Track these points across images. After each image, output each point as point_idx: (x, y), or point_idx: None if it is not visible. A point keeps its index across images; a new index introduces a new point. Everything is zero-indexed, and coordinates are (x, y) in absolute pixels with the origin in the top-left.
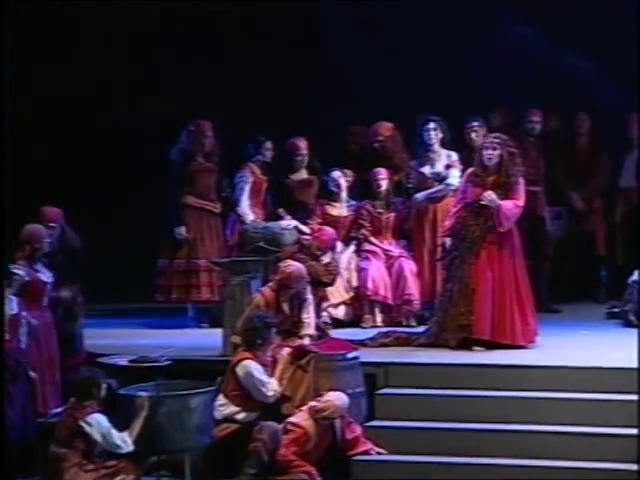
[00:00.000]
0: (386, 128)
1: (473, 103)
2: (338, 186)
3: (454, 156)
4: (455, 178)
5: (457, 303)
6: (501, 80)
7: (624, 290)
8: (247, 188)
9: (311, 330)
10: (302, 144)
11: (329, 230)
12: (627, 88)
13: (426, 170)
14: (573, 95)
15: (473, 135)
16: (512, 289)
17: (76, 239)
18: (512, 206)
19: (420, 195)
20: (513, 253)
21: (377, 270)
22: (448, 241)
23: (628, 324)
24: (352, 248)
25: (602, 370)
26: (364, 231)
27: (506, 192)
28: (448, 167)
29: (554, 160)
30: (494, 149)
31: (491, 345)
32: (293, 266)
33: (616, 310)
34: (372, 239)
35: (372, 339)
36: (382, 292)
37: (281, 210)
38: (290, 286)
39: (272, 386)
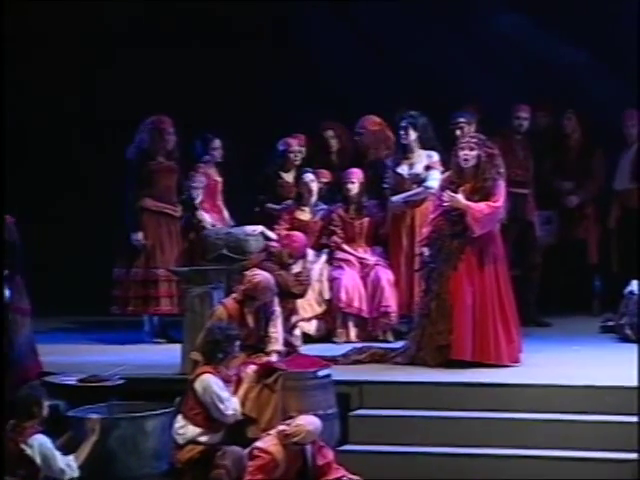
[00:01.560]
0: (372, 122)
1: (457, 98)
2: (309, 190)
3: (435, 156)
4: (435, 181)
5: (435, 321)
6: (486, 73)
7: (620, 301)
8: (200, 192)
9: (279, 346)
10: (294, 142)
11: (300, 235)
12: (624, 82)
13: (404, 171)
14: (564, 89)
15: (459, 133)
16: (495, 304)
17: (12, 229)
18: (484, 207)
19: (397, 198)
20: (495, 264)
21: (351, 280)
22: (426, 251)
23: (624, 339)
24: (324, 257)
25: (596, 389)
26: (336, 238)
27: (484, 197)
28: (428, 168)
29: (543, 160)
30: (471, 149)
31: (474, 366)
32: (261, 276)
33: (611, 324)
34: (345, 247)
35: (345, 355)
36: (356, 304)
37: (271, 205)
38: (256, 297)
39: (232, 404)
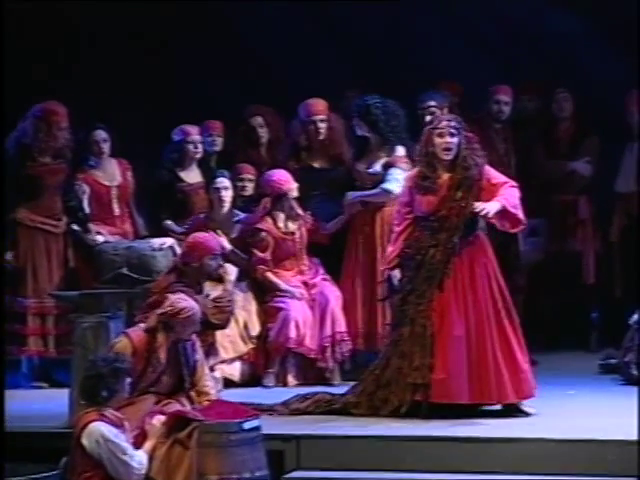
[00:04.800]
0: (325, 106)
1: (422, 77)
2: (220, 199)
3: (399, 151)
4: (394, 182)
5: (408, 353)
6: (458, 47)
7: (623, 334)
8: (85, 204)
9: (213, 393)
10: (193, 129)
11: (203, 234)
12: (627, 56)
13: (361, 168)
14: (554, 67)
15: (429, 119)
16: (493, 330)
17: None
18: (511, 191)
19: (353, 194)
20: (489, 278)
21: (301, 312)
22: (397, 274)
23: (629, 380)
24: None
25: (597, 444)
26: (262, 266)
27: (468, 189)
28: (388, 166)
29: (529, 153)
30: (452, 136)
31: (462, 411)
32: (188, 302)
33: (613, 362)
34: (274, 279)
35: (285, 403)
36: (308, 342)
37: (169, 222)
38: (175, 328)
39: (137, 457)
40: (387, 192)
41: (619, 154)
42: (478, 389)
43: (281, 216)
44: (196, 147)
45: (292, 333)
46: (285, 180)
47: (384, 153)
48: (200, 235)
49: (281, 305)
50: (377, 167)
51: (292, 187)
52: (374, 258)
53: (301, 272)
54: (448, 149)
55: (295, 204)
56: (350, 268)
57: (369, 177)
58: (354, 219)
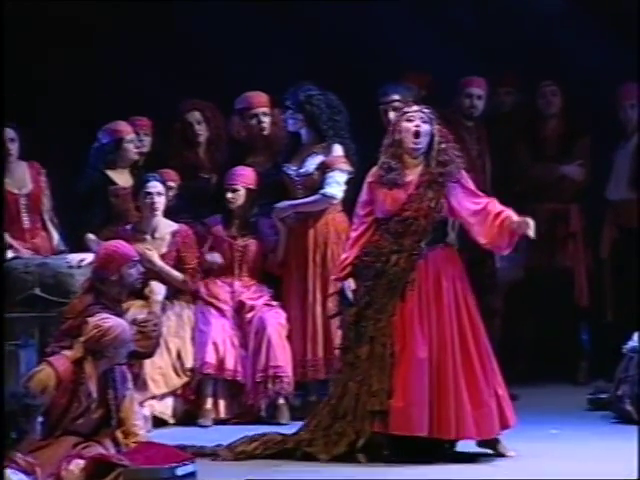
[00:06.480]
0: (266, 100)
1: (384, 68)
2: (152, 206)
3: (338, 150)
4: (335, 186)
5: (367, 377)
6: (424, 33)
7: (616, 363)
8: None
9: (142, 433)
10: (126, 127)
11: (115, 243)
12: (619, 42)
13: (292, 170)
14: (537, 56)
15: (392, 115)
16: (456, 353)
17: None
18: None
19: (283, 205)
20: (457, 294)
21: (220, 332)
22: (350, 284)
23: (622, 418)
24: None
25: None
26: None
27: (441, 191)
28: (325, 168)
29: (508, 155)
30: (423, 122)
31: (430, 450)
32: (113, 320)
33: (604, 396)
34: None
35: (229, 446)
36: (230, 366)
37: (91, 236)
38: (105, 353)
39: None
40: (329, 198)
41: (609, 157)
42: (436, 422)
43: (236, 222)
44: (136, 147)
45: (209, 357)
46: (230, 180)
47: (319, 152)
48: (111, 244)
49: (200, 327)
50: (310, 168)
51: (232, 190)
52: (325, 275)
53: (232, 287)
54: (417, 134)
55: (247, 214)
56: (287, 289)
57: (300, 180)
58: (290, 234)
